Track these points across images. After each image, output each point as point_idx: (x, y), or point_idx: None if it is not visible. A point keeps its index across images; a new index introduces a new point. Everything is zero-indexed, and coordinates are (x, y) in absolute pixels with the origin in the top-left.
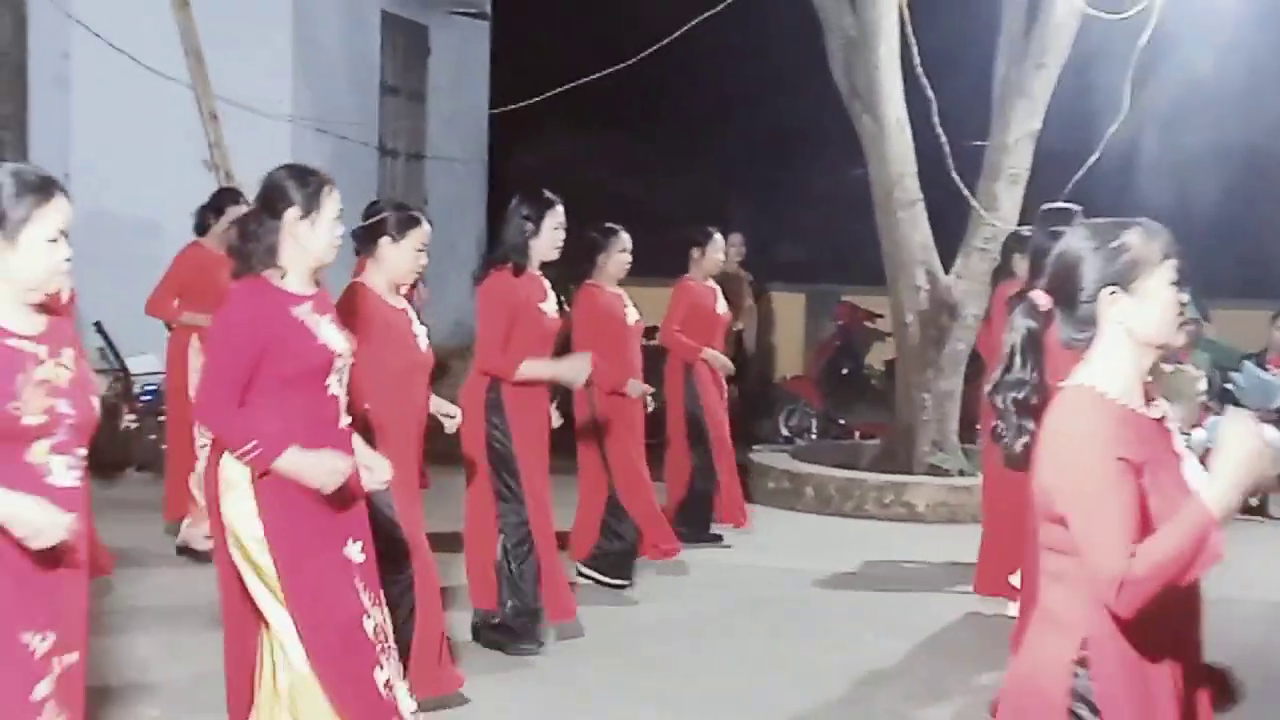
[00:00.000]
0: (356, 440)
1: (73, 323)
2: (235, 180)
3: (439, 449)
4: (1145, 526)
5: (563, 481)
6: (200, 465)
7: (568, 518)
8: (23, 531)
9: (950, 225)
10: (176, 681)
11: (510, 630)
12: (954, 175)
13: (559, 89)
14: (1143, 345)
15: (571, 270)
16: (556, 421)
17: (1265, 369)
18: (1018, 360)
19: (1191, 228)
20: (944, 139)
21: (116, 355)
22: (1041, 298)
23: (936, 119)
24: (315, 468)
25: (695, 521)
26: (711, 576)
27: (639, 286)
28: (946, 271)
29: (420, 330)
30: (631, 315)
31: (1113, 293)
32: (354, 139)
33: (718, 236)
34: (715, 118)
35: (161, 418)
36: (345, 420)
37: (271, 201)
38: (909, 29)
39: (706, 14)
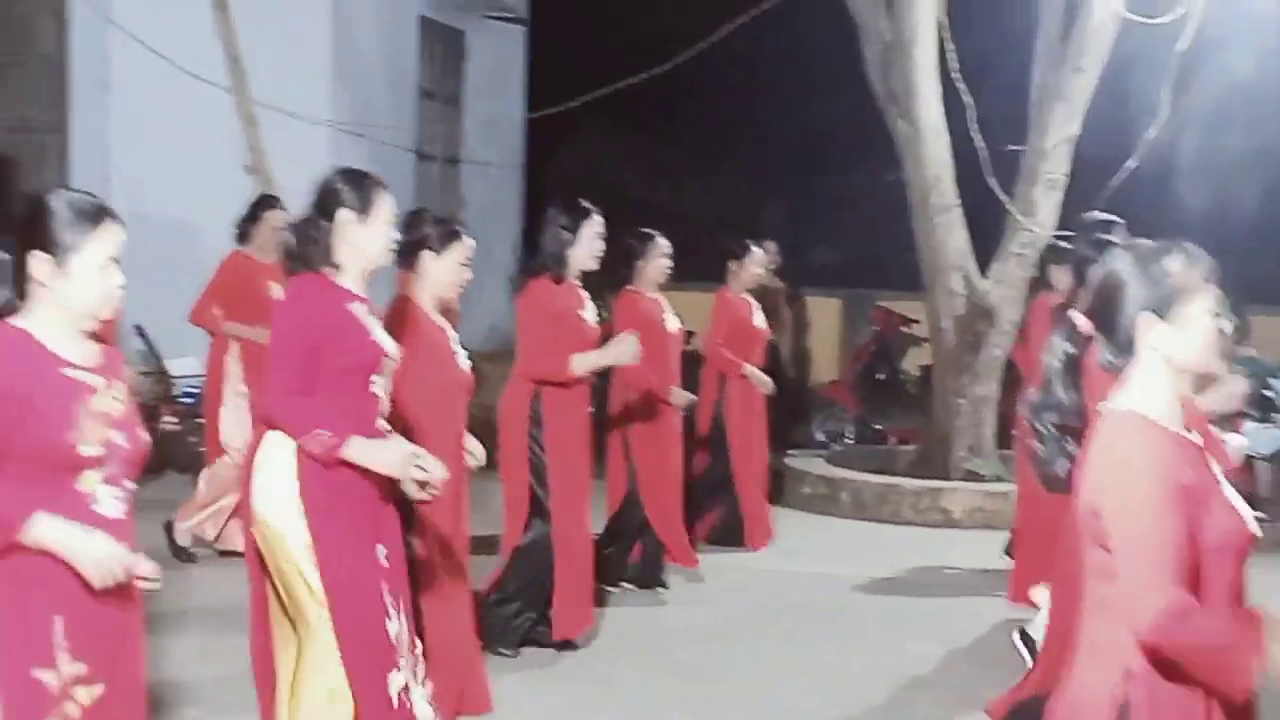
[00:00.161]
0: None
1: (119, 353)
2: (274, 184)
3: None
4: (1192, 554)
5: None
6: (216, 464)
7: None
8: (86, 565)
9: (987, 230)
10: (213, 681)
11: (493, 623)
12: (991, 180)
13: (595, 94)
14: (1180, 371)
15: (608, 276)
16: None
17: None
18: (1057, 383)
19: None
20: (981, 144)
21: (157, 357)
22: (1082, 320)
23: (974, 123)
24: (388, 455)
25: (728, 529)
26: (744, 581)
27: (671, 291)
28: (983, 277)
29: (460, 350)
30: (672, 322)
31: (1151, 319)
32: (391, 143)
33: (755, 249)
34: (751, 122)
35: (201, 420)
36: (383, 424)
37: (326, 204)
38: (946, 33)
39: (741, 19)
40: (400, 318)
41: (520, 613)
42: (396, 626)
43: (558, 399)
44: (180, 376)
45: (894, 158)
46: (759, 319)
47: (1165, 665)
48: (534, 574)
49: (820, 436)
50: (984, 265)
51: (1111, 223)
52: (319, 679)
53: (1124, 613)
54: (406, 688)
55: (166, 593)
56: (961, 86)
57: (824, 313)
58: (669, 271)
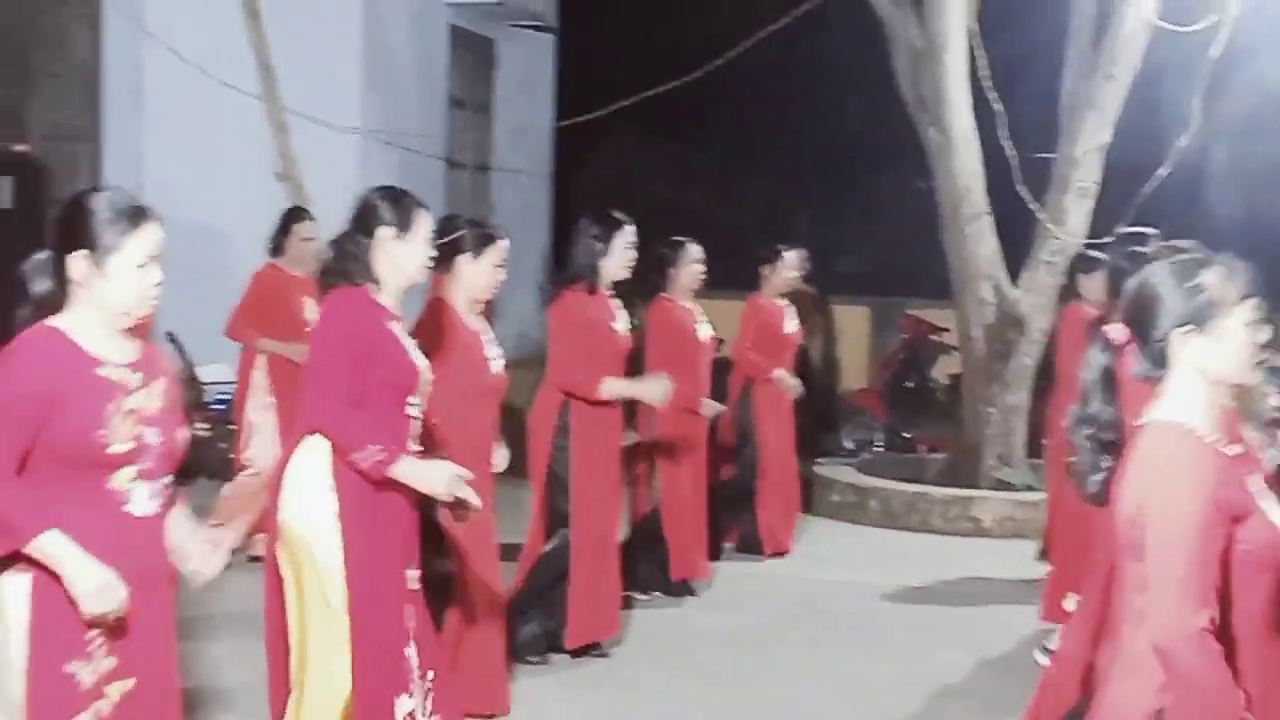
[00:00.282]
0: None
1: (160, 350)
2: (304, 191)
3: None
4: (1225, 569)
5: None
6: (237, 482)
7: None
8: (81, 594)
9: (1017, 238)
10: (243, 688)
11: (517, 630)
12: (1021, 188)
13: (624, 102)
14: (1216, 383)
15: (640, 284)
16: (629, 439)
17: None
18: (1094, 397)
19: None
20: (1011, 151)
21: (188, 364)
22: (1118, 331)
23: (1004, 131)
24: (435, 475)
25: (748, 535)
26: (773, 588)
27: (701, 299)
28: (1013, 285)
29: (494, 352)
30: (704, 331)
31: (1187, 332)
32: (421, 151)
33: (788, 255)
34: (781, 130)
35: (232, 426)
36: (415, 446)
37: (366, 220)
38: (976, 40)
39: (771, 27)
40: (434, 320)
41: (542, 620)
42: (413, 652)
43: (587, 409)
44: (211, 383)
45: (924, 165)
46: (791, 324)
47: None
48: (555, 582)
49: (849, 444)
50: (1014, 273)
51: (1145, 234)
52: (325, 695)
53: (1147, 621)
54: (413, 715)
55: (197, 598)
56: (992, 94)
57: (853, 320)
58: (702, 277)
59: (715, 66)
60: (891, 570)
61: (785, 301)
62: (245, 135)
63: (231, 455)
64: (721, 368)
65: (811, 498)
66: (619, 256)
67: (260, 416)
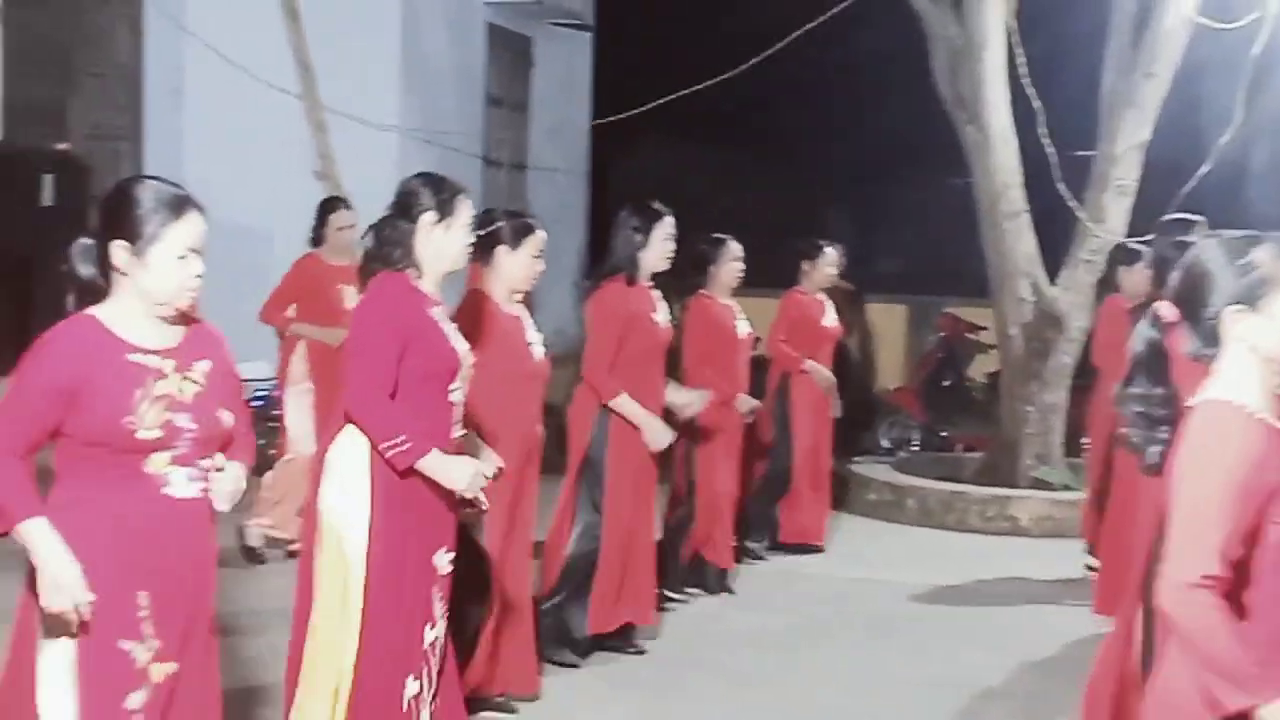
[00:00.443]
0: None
1: (212, 331)
2: (343, 189)
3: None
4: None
5: None
6: (274, 471)
7: None
8: (45, 587)
9: (1055, 237)
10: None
11: (552, 629)
12: (1061, 186)
13: (661, 100)
14: (1268, 361)
15: (677, 282)
16: (670, 437)
17: None
18: (1140, 372)
19: None
20: (1050, 149)
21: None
22: (1167, 309)
23: (1044, 129)
24: (458, 472)
25: (755, 529)
26: (810, 588)
27: (737, 296)
28: (1052, 283)
29: (535, 339)
30: (742, 328)
31: (1239, 310)
32: (459, 149)
33: (829, 250)
34: (817, 128)
35: (272, 422)
36: (459, 431)
37: (407, 206)
38: (1015, 37)
39: (808, 25)
40: (473, 310)
41: (574, 622)
42: (434, 634)
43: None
44: (250, 380)
45: (961, 163)
46: (829, 319)
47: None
48: (586, 583)
49: (886, 443)
50: (1051, 272)
51: (1191, 222)
52: (327, 672)
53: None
54: (419, 696)
55: (239, 594)
56: (1031, 91)
57: (890, 319)
58: (741, 275)
59: (752, 64)
60: (929, 570)
61: (824, 296)
62: (284, 134)
63: (272, 451)
64: (759, 365)
65: (848, 496)
66: (658, 248)
67: (297, 401)
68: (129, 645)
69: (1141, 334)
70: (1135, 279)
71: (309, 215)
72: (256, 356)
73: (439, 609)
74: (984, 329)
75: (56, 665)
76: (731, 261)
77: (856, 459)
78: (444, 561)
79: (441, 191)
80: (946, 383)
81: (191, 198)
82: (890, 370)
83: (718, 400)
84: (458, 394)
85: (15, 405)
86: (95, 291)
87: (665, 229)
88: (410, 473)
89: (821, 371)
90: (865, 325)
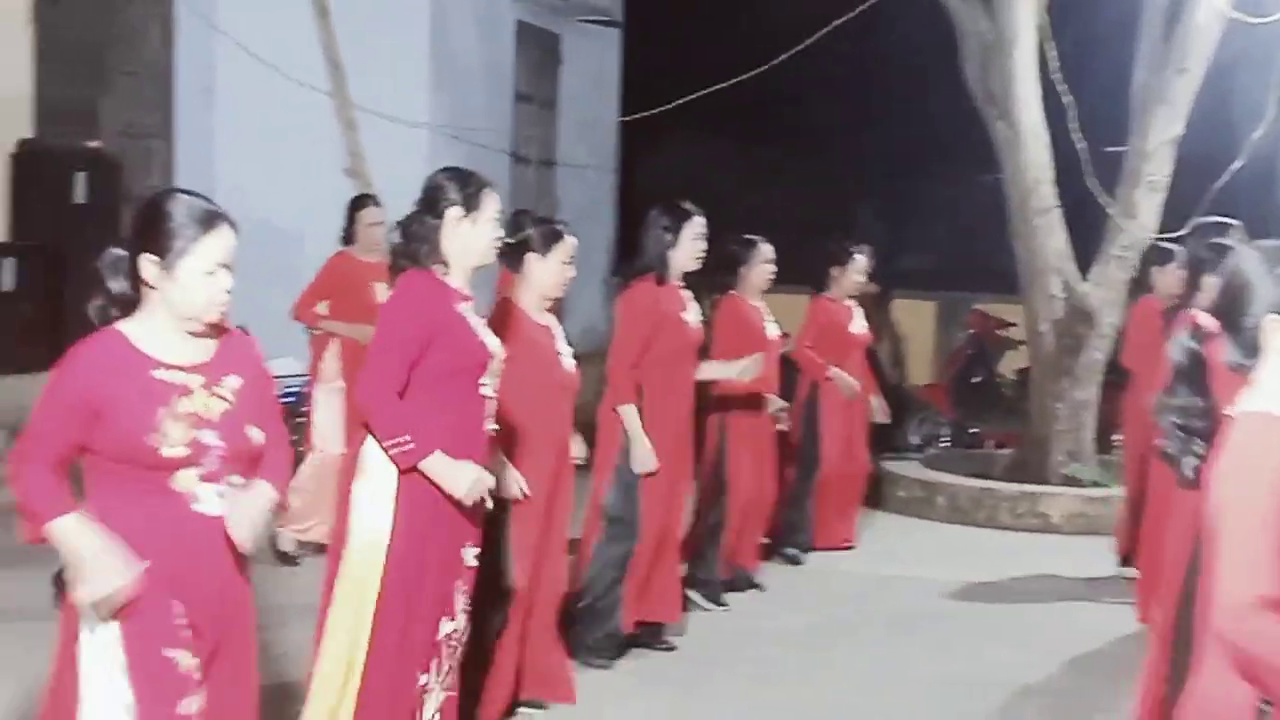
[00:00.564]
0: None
1: (247, 342)
2: (372, 187)
3: None
4: None
5: None
6: (304, 468)
7: None
8: (81, 583)
9: (1086, 232)
10: None
11: (588, 628)
12: (1092, 182)
13: (689, 96)
14: None
15: (707, 280)
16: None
17: None
18: (1180, 383)
19: None
20: (1082, 145)
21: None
22: (1207, 319)
23: (1075, 125)
24: (459, 477)
25: (788, 532)
26: (842, 585)
27: (763, 294)
28: (1083, 279)
29: (565, 350)
30: (772, 329)
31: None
32: (488, 146)
33: (859, 256)
34: (845, 125)
35: (301, 419)
36: (492, 425)
37: (433, 201)
38: (1046, 33)
39: (837, 22)
40: (502, 320)
41: (608, 622)
42: (455, 625)
43: (658, 402)
44: (280, 376)
45: (990, 159)
46: (857, 325)
47: None
48: (619, 583)
49: (916, 440)
50: (1083, 268)
51: (1226, 225)
52: (335, 663)
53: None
54: (426, 687)
55: (269, 590)
56: (1062, 87)
57: (919, 315)
58: (772, 276)
59: (781, 61)
60: (959, 566)
61: (853, 302)
62: (314, 131)
63: (303, 448)
64: (789, 366)
65: (878, 493)
66: (688, 248)
67: (327, 400)
68: (174, 653)
69: (1181, 344)
70: (1168, 279)
71: (339, 213)
72: (286, 353)
73: (460, 603)
74: (1014, 325)
75: (106, 676)
76: (762, 264)
77: (887, 456)
78: (470, 556)
79: (467, 186)
80: (976, 379)
81: (222, 212)
82: (920, 367)
83: (748, 402)
84: (489, 388)
85: (42, 419)
86: (126, 304)
87: (695, 228)
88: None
89: (846, 380)
90: (893, 324)
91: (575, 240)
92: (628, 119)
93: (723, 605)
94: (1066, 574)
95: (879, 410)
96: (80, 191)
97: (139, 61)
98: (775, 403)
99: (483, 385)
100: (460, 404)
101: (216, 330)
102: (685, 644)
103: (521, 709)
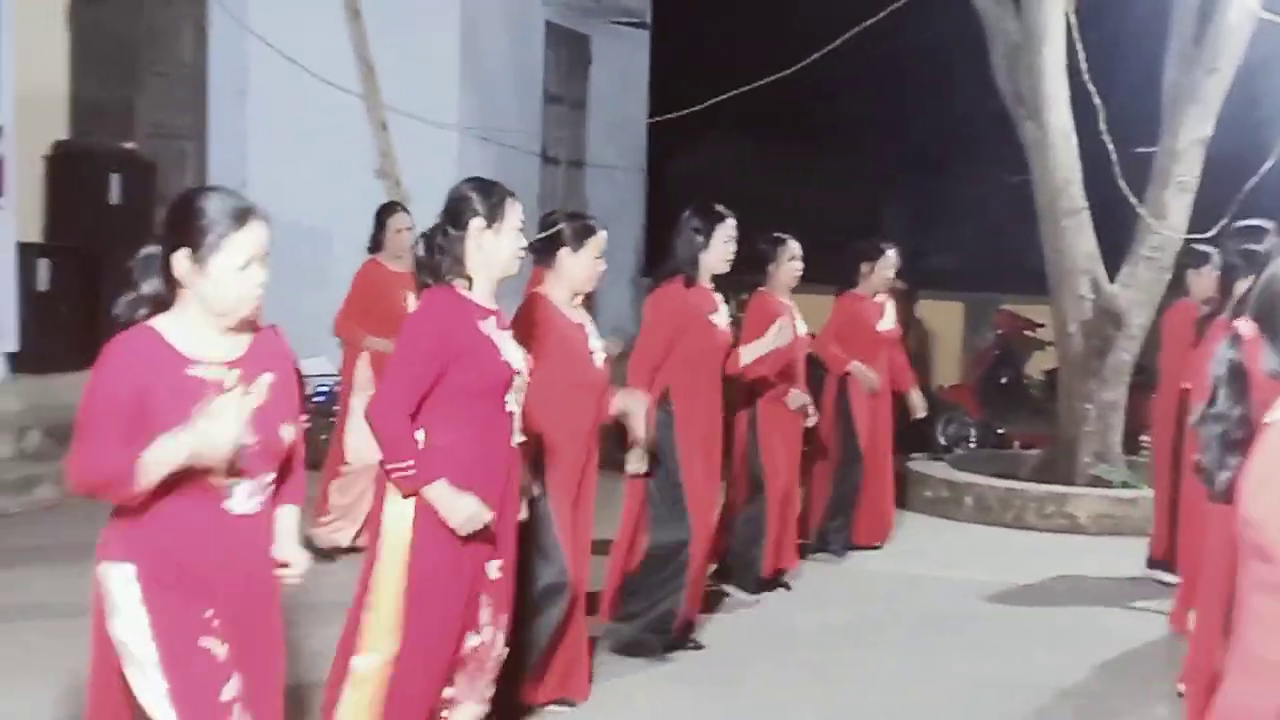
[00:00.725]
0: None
1: (278, 339)
2: (403, 187)
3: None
4: None
5: None
6: (345, 470)
7: None
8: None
9: (1115, 233)
10: None
11: (641, 642)
12: (1121, 183)
13: (718, 97)
14: None
15: (735, 280)
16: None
17: None
18: (1222, 393)
19: None
20: (1111, 146)
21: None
22: (1246, 326)
23: (1104, 125)
24: (457, 508)
25: (830, 531)
26: (871, 585)
27: (792, 293)
28: (1111, 281)
29: (597, 345)
30: (800, 327)
31: None
32: (517, 147)
33: (890, 253)
34: (874, 125)
35: (332, 418)
36: (518, 438)
37: (457, 213)
38: (1075, 33)
39: (865, 23)
40: (533, 316)
41: (654, 619)
42: (482, 639)
43: (687, 398)
44: (312, 376)
45: (1018, 160)
46: (885, 323)
47: None
48: (668, 579)
49: (942, 440)
50: (1111, 269)
51: (1260, 228)
52: (365, 674)
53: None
54: (453, 700)
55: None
56: (1091, 88)
57: (946, 316)
58: (800, 273)
59: (809, 62)
60: (987, 567)
61: (884, 297)
62: (345, 132)
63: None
64: (816, 364)
65: (905, 493)
66: (719, 250)
67: (359, 411)
68: (209, 642)
69: (1222, 355)
70: (1204, 282)
71: (369, 214)
72: (317, 353)
73: (485, 616)
74: (1041, 326)
75: (145, 669)
76: (790, 261)
77: (914, 456)
78: (494, 569)
79: (490, 196)
80: (1004, 380)
81: (255, 207)
82: (947, 367)
83: (777, 395)
84: (513, 403)
85: (88, 419)
86: (158, 303)
87: (727, 231)
88: (464, 481)
89: (867, 374)
90: (919, 323)
91: (605, 234)
92: (657, 120)
93: (757, 599)
94: (1094, 575)
95: (918, 405)
96: (115, 192)
97: (172, 63)
98: (798, 398)
99: (507, 402)
100: (484, 422)
101: (249, 326)
102: (715, 643)
103: (551, 706)
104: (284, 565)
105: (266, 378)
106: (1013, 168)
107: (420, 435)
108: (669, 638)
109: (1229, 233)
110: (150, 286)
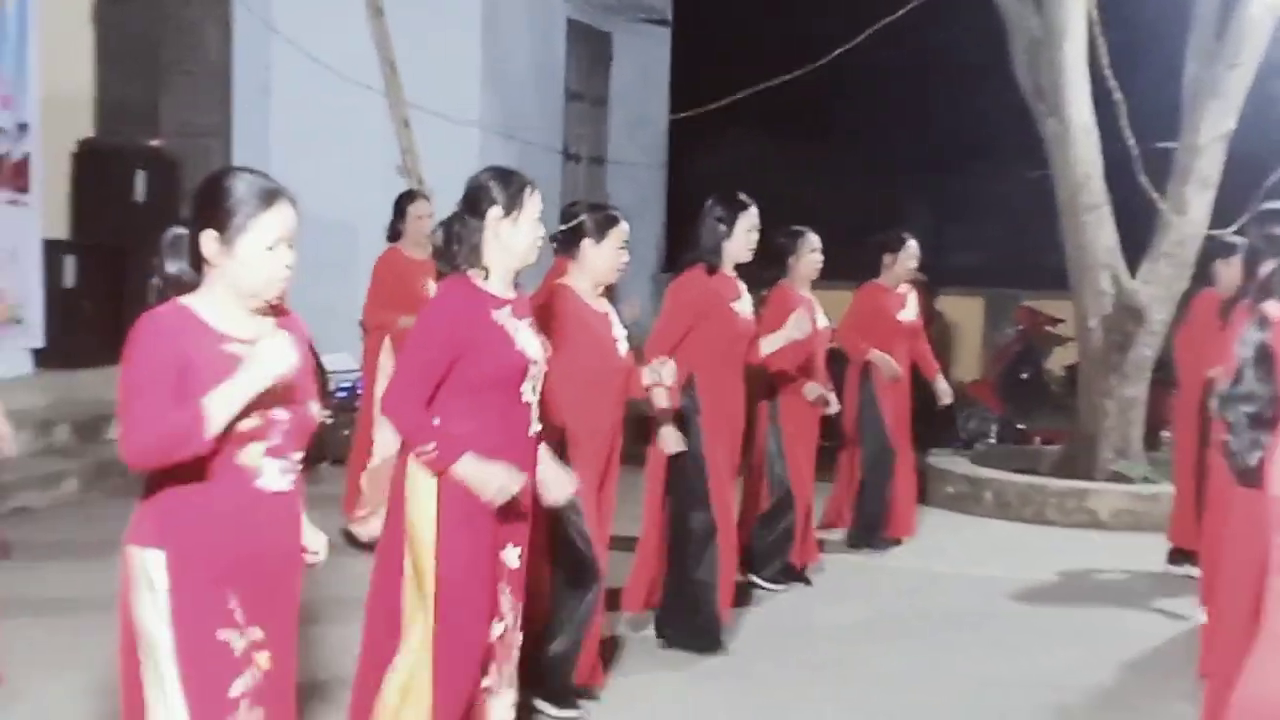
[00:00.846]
0: (543, 451)
1: (297, 321)
2: (425, 184)
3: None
4: None
5: None
6: (373, 462)
7: None
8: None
9: (1136, 229)
10: None
11: (688, 631)
12: (1142, 178)
13: (739, 94)
14: None
15: (757, 274)
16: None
17: None
18: (1249, 373)
19: None
20: (1132, 141)
21: (314, 353)
22: (1273, 308)
23: (1125, 120)
24: (488, 480)
25: (866, 526)
26: (891, 581)
27: (813, 289)
28: (1132, 276)
29: (621, 334)
30: (820, 321)
31: None
32: (539, 144)
33: (911, 243)
34: (894, 122)
35: (354, 413)
36: (536, 427)
37: (475, 202)
38: (1096, 27)
39: (886, 19)
40: (556, 307)
41: (693, 613)
42: (505, 625)
43: (711, 389)
44: (335, 371)
45: (1038, 155)
46: (907, 314)
47: None
48: (711, 567)
49: (963, 436)
50: (1132, 264)
51: None
52: (400, 675)
53: None
54: (490, 690)
55: (318, 582)
56: (1112, 83)
57: (967, 311)
58: (820, 266)
59: (830, 59)
60: (1007, 563)
61: (907, 288)
62: (368, 130)
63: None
64: (837, 358)
65: (925, 488)
66: (742, 239)
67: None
68: (227, 635)
69: (1250, 337)
70: (1232, 272)
71: (391, 210)
72: (340, 348)
73: (506, 603)
74: (1062, 321)
75: (158, 655)
76: (810, 253)
77: (934, 451)
78: (513, 557)
79: (509, 185)
80: (1024, 375)
81: (282, 188)
82: (968, 363)
83: (797, 388)
84: (530, 393)
85: (135, 389)
86: (183, 286)
87: (749, 220)
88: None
89: (888, 363)
90: (940, 316)
91: (627, 225)
92: (678, 117)
93: (781, 588)
94: (1115, 571)
95: (944, 391)
96: (140, 190)
97: (197, 61)
98: (814, 389)
99: (523, 392)
100: (501, 412)
101: (273, 309)
102: (739, 638)
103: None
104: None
105: (294, 358)
106: (1033, 163)
107: (436, 424)
108: (710, 640)
109: (1254, 216)
110: (177, 267)
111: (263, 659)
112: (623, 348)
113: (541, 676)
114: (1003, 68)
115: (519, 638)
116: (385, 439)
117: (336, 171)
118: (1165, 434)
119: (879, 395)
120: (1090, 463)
